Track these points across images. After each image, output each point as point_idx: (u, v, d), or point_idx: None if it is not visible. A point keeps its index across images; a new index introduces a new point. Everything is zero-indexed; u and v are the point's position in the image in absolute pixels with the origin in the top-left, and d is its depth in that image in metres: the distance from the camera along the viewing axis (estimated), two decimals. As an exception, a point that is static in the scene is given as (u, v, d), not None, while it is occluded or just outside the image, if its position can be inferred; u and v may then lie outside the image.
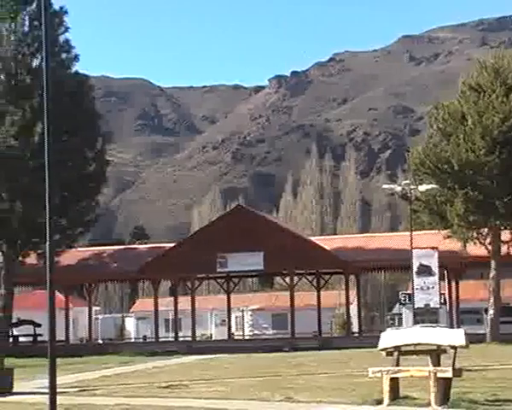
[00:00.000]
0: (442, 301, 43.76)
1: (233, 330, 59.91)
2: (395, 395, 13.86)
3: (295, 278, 48.24)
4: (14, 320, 48.78)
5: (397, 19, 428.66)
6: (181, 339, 50.78)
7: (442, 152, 42.39)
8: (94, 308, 58.40)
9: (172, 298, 52.83)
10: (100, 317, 69.40)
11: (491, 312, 42.71)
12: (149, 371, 27.72)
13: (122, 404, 15.72)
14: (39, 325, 46.33)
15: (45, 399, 11.66)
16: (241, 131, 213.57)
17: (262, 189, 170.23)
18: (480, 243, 43.21)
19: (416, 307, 39.60)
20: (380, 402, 13.83)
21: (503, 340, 39.62)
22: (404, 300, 53.24)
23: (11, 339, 47.36)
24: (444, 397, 13.29)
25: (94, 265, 51.11)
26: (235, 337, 59.27)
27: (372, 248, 49.00)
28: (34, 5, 45.24)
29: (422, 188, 40.63)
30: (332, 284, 59.93)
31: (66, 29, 46.30)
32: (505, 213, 41.42)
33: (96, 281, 54.06)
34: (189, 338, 48.39)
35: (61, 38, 46.24)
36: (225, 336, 54.67)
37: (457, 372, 13.46)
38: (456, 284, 47.73)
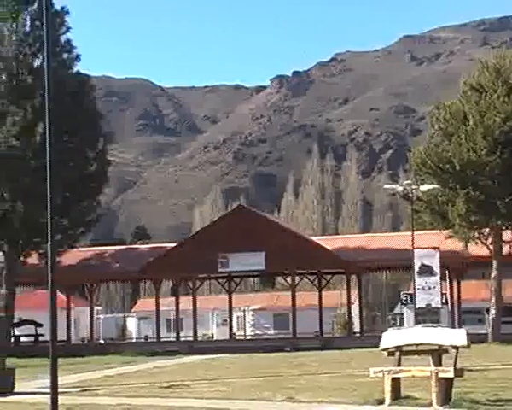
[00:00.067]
0: (443, 301, 43.70)
1: (234, 330, 59.84)
2: (396, 395, 13.85)
3: (297, 278, 48.28)
4: (15, 320, 48.79)
5: (398, 19, 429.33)
6: (182, 339, 50.84)
7: (443, 152, 42.36)
8: (95, 308, 58.39)
9: (174, 298, 52.93)
10: (101, 317, 69.40)
11: (492, 312, 42.68)
12: (151, 371, 27.72)
13: (124, 404, 15.72)
14: (41, 325, 46.38)
15: (47, 399, 11.64)
16: (242, 131, 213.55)
17: (263, 189, 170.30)
18: (482, 243, 43.19)
19: (417, 307, 39.63)
20: (381, 402, 13.82)
21: (504, 340, 39.58)
22: (406, 300, 53.05)
23: (13, 339, 47.34)
24: (445, 397, 13.28)
25: (95, 265, 51.13)
26: (237, 337, 59.18)
27: (373, 248, 49.02)
28: (36, 5, 45.30)
29: (424, 188, 40.61)
30: (333, 284, 59.87)
31: (68, 29, 46.48)
32: (507, 213, 41.39)
33: (97, 281, 54.11)
34: (191, 338, 48.40)
35: (63, 38, 46.41)
36: (227, 337, 54.63)
37: (459, 372, 13.45)
38: (458, 284, 47.70)
